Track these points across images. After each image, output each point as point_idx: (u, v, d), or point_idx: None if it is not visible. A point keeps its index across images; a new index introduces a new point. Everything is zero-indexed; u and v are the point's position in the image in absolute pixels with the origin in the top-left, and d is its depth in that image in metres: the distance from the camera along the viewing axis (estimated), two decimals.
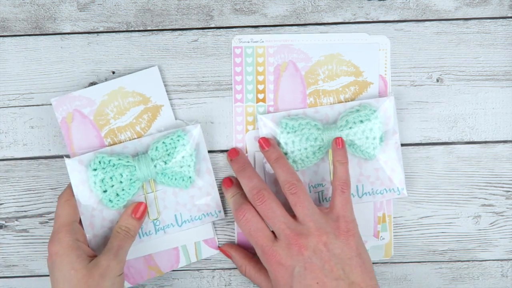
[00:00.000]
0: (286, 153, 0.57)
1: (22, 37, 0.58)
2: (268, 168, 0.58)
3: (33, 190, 0.59)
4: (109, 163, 0.54)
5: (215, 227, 0.59)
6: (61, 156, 0.59)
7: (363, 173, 0.58)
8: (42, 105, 0.58)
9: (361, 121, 0.56)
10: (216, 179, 0.58)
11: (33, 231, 0.60)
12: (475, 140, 0.60)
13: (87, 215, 0.55)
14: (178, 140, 0.55)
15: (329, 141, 0.56)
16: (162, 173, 0.55)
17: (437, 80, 0.59)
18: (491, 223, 0.60)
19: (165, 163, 0.55)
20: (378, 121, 0.56)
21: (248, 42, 0.58)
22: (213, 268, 0.60)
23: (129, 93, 0.57)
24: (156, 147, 0.55)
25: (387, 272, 0.61)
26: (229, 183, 0.57)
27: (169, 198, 0.57)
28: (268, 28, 0.58)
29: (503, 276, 0.61)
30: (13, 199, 0.59)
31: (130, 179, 0.54)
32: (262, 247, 0.52)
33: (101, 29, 0.58)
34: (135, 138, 0.57)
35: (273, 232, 0.53)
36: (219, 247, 0.59)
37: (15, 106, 0.58)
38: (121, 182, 0.54)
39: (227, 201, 0.58)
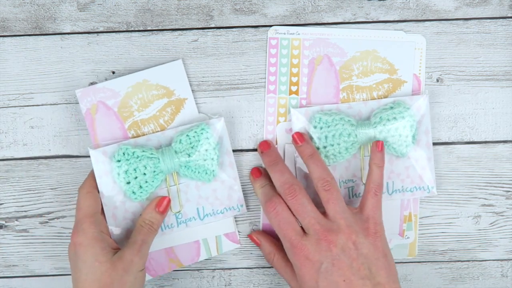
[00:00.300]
0: (318, 148, 0.56)
1: (22, 37, 0.58)
2: (299, 163, 0.58)
3: (33, 190, 0.59)
4: (133, 154, 0.54)
5: (236, 222, 0.59)
6: (61, 156, 0.59)
7: (393, 170, 0.58)
8: (42, 105, 0.58)
9: (395, 119, 0.56)
10: None
11: (33, 231, 0.60)
12: (475, 140, 0.60)
13: (109, 206, 0.55)
14: (202, 133, 0.55)
15: (362, 138, 0.56)
16: (185, 166, 0.55)
17: (437, 80, 0.59)
18: (491, 223, 0.60)
19: (189, 155, 0.55)
20: (411, 119, 0.56)
21: (284, 33, 0.58)
22: (213, 268, 0.60)
23: (153, 85, 0.57)
24: (180, 140, 0.55)
25: None
26: (257, 174, 0.57)
27: (192, 191, 0.57)
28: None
29: (503, 276, 0.61)
30: (13, 199, 0.59)
31: (154, 171, 0.54)
32: (291, 241, 0.52)
33: (101, 29, 0.58)
34: (158, 131, 0.57)
35: (301, 227, 0.53)
36: (248, 234, 0.59)
37: (15, 106, 0.58)
38: (144, 174, 0.54)
39: (254, 191, 0.57)
